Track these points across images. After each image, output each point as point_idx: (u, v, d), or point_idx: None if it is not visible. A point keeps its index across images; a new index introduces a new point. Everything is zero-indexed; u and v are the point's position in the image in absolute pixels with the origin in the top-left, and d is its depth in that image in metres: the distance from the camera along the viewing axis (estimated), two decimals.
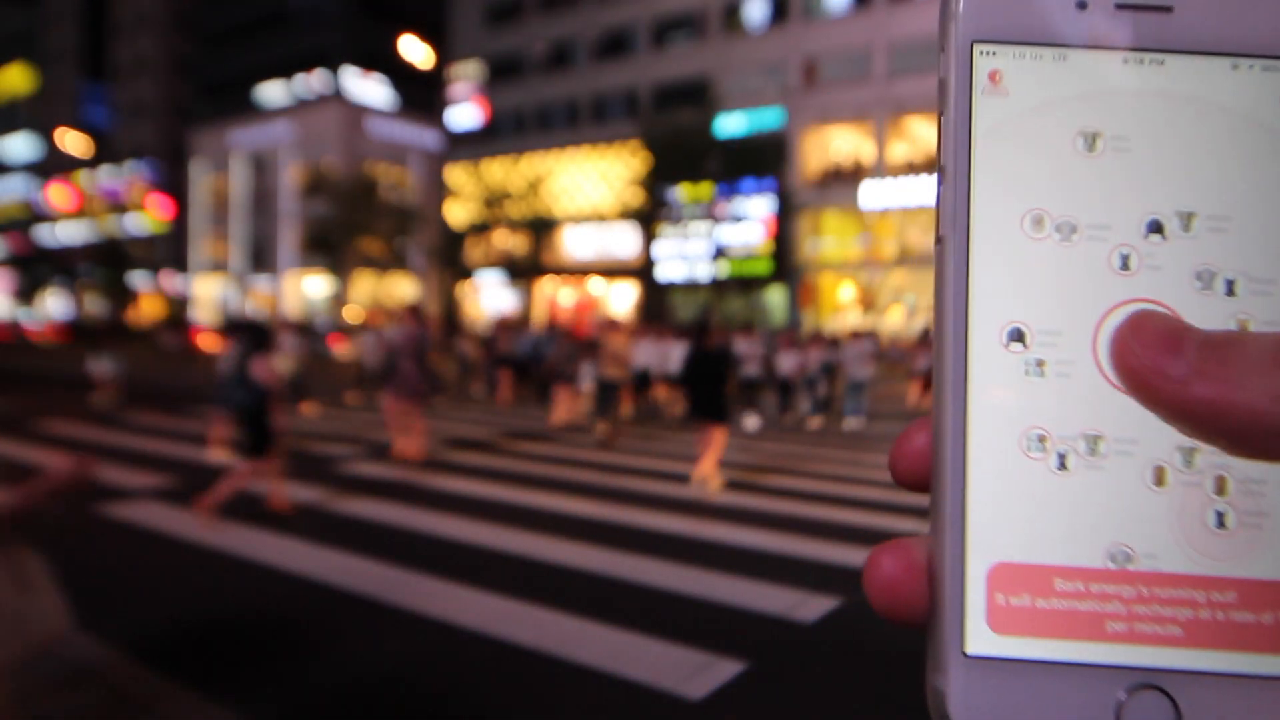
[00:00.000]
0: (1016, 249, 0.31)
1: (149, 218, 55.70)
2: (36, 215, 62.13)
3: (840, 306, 31.82)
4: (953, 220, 0.32)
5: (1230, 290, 0.30)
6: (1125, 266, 0.31)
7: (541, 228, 36.08)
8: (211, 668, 4.18)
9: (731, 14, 35.14)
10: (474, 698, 4.01)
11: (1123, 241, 0.31)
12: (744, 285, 32.45)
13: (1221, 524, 0.30)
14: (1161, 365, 0.26)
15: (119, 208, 56.88)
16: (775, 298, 32.92)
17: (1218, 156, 0.31)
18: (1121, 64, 0.32)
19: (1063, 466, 0.30)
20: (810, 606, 5.14)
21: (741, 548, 6.31)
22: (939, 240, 0.32)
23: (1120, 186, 0.31)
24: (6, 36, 66.09)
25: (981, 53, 0.32)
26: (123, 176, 57.25)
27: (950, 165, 0.32)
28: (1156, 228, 0.31)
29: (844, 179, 31.73)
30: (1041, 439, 0.30)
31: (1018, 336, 0.31)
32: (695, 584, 5.57)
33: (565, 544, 6.45)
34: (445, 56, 44.74)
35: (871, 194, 30.78)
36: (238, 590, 5.34)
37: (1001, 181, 0.32)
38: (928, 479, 0.33)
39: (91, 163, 59.41)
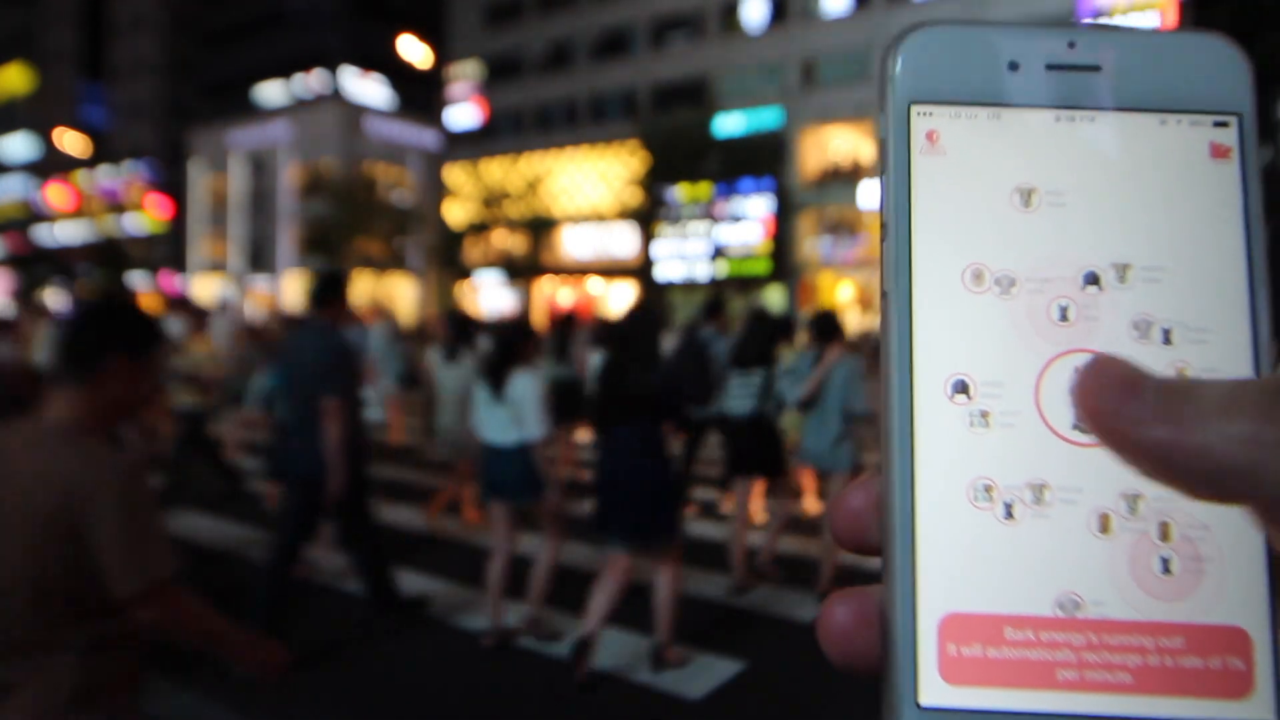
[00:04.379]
0: (958, 303, 0.32)
1: (147, 217, 55.64)
2: (35, 215, 62.01)
3: (840, 306, 31.84)
4: (895, 276, 0.32)
5: (1167, 339, 0.31)
6: (1064, 318, 0.31)
7: (540, 228, 36.04)
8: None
9: (730, 14, 35.12)
10: (474, 696, 4.02)
11: (1061, 294, 0.31)
12: (743, 285, 32.44)
13: (1167, 569, 0.30)
14: (1121, 408, 0.27)
15: (117, 208, 56.78)
16: (774, 297, 32.93)
17: (1150, 209, 0.32)
18: (1054, 121, 0.32)
19: (1010, 516, 0.31)
20: (810, 607, 5.15)
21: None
22: (883, 295, 0.33)
23: (1057, 240, 0.32)
24: (6, 36, 66.00)
25: (919, 113, 0.33)
26: (121, 176, 57.16)
27: (891, 223, 0.32)
28: (1093, 279, 0.31)
29: (843, 178, 31.74)
30: (988, 489, 0.31)
31: (962, 388, 0.31)
32: (694, 584, 5.58)
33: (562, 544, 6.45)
34: (444, 56, 44.70)
35: (870, 194, 30.77)
36: None
37: (941, 237, 0.32)
38: (867, 540, 0.33)
39: (90, 163, 59.33)
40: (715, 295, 7.92)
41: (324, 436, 4.44)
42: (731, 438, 5.69)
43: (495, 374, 4.52)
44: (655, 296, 33.24)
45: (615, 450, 4.17)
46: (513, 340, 4.55)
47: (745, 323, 5.93)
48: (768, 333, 5.73)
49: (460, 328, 6.69)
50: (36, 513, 1.69)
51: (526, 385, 4.45)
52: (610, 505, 4.13)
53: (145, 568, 1.75)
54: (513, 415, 4.45)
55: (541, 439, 4.46)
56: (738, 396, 5.53)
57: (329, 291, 4.67)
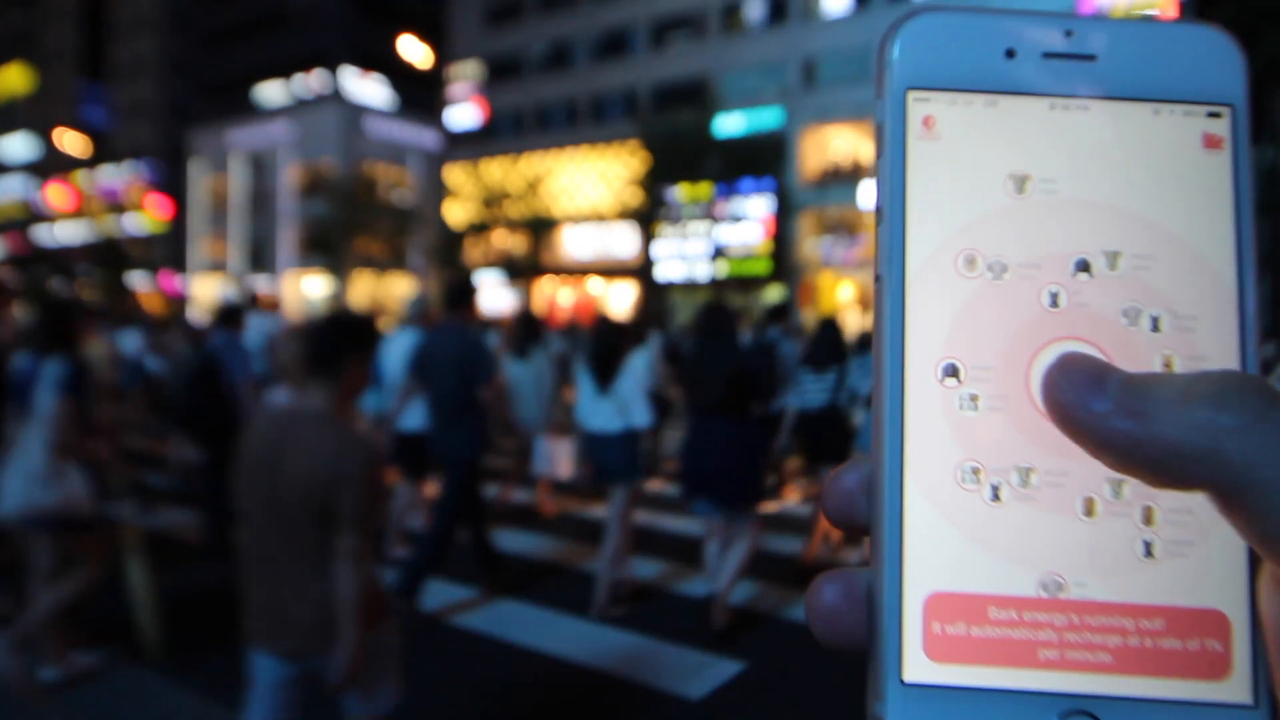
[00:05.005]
0: (950, 288, 0.32)
1: (147, 218, 55.63)
2: (35, 215, 62.03)
3: (840, 306, 31.83)
4: (889, 260, 0.32)
5: (1155, 327, 0.31)
6: (1055, 304, 0.32)
7: (540, 228, 36.04)
8: None
9: (731, 14, 35.12)
10: (476, 695, 4.01)
11: (1052, 280, 0.32)
12: (743, 285, 32.45)
13: (1149, 553, 0.30)
14: (1086, 402, 0.28)
15: (117, 208, 56.78)
16: (774, 297, 32.92)
17: (1141, 198, 0.32)
18: (1049, 109, 0.33)
19: (996, 498, 0.31)
20: None
21: None
22: (877, 279, 0.33)
23: (1049, 227, 0.32)
24: (6, 36, 66.01)
25: (916, 99, 0.33)
26: (121, 176, 57.17)
27: (886, 207, 0.33)
28: (1084, 267, 0.32)
29: (843, 179, 31.74)
30: (975, 471, 0.31)
31: (952, 372, 0.32)
32: (695, 584, 5.58)
33: (563, 544, 6.45)
34: (444, 56, 44.71)
35: (871, 194, 30.72)
36: None
37: (935, 223, 0.32)
38: (857, 519, 0.33)
39: (90, 163, 59.31)
40: (783, 300, 8.90)
41: (492, 412, 5.19)
42: (807, 428, 6.38)
43: (603, 370, 5.08)
44: (656, 296, 33.29)
45: (708, 431, 4.69)
46: (616, 339, 5.16)
47: (819, 327, 6.64)
48: (840, 335, 6.40)
49: (529, 327, 7.34)
50: (313, 471, 2.46)
51: (631, 378, 5.05)
52: (705, 478, 4.69)
53: (355, 529, 2.49)
54: (618, 406, 5.03)
55: (648, 426, 5.12)
56: (813, 391, 6.14)
57: (463, 295, 5.32)
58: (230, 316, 6.68)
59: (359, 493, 2.49)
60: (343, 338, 2.62)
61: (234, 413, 6.15)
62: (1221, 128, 0.32)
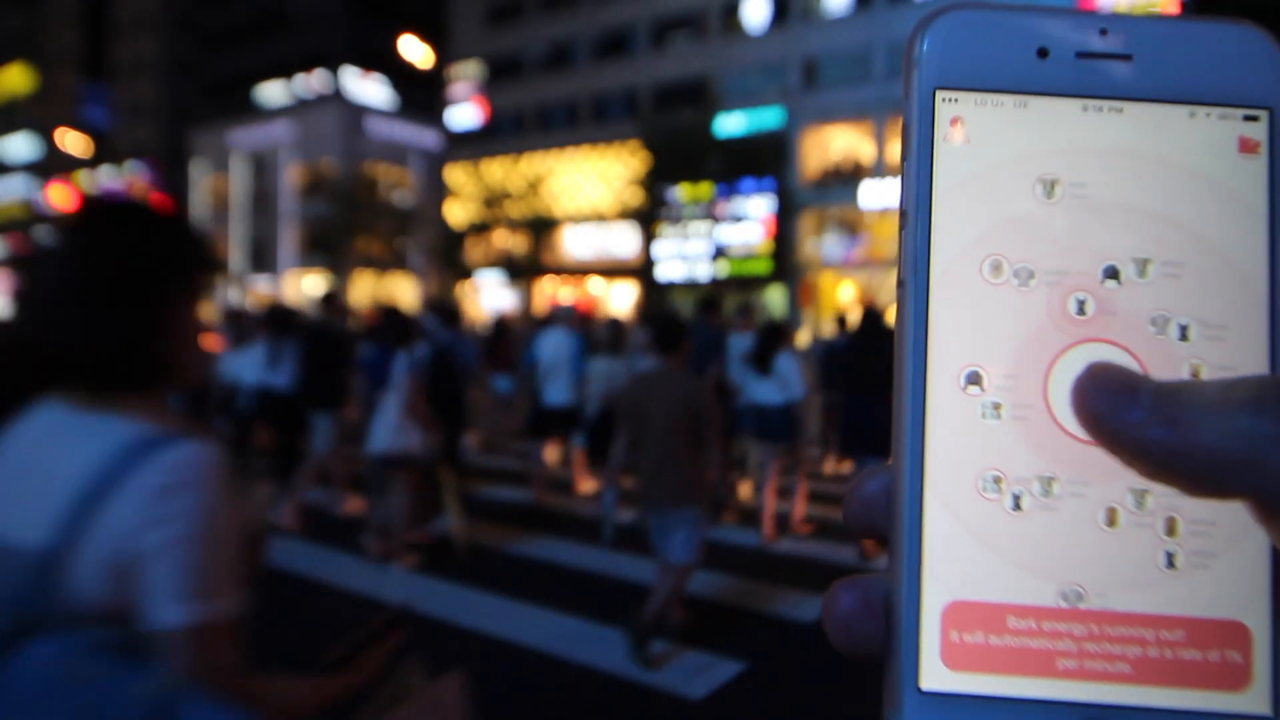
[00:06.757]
0: (975, 294, 0.31)
1: None
2: (37, 215, 62.06)
3: (841, 306, 31.82)
4: (913, 265, 0.32)
5: (1184, 335, 0.31)
6: (1082, 312, 0.31)
7: (541, 227, 36.06)
8: None
9: (731, 14, 35.11)
10: (479, 697, 4.03)
11: (1079, 287, 0.31)
12: (744, 285, 32.45)
13: (1171, 564, 0.30)
14: (1119, 411, 0.27)
15: None
16: (775, 297, 32.94)
17: (1173, 203, 0.31)
18: (1081, 112, 0.32)
19: (1017, 507, 0.31)
20: (810, 606, 5.16)
21: (740, 548, 6.34)
22: (900, 284, 0.32)
23: (1077, 233, 0.32)
24: (7, 37, 66.04)
25: (944, 100, 0.32)
26: (122, 177, 57.18)
27: (911, 211, 0.32)
28: (1112, 273, 0.31)
29: (844, 178, 31.73)
30: (997, 480, 0.31)
31: (975, 379, 0.31)
32: (695, 585, 5.60)
33: (566, 544, 6.47)
34: (445, 56, 44.73)
35: (871, 194, 30.78)
36: None
37: (961, 227, 0.32)
38: (878, 525, 0.33)
39: (91, 163, 59.36)
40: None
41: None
42: None
43: (763, 358, 6.56)
44: (657, 297, 33.29)
45: (869, 405, 5.95)
46: (773, 334, 6.78)
47: None
48: None
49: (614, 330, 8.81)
50: (676, 401, 4.26)
51: (788, 362, 6.55)
52: (867, 440, 6.05)
53: (711, 429, 4.31)
54: (779, 384, 6.49)
55: (804, 396, 6.61)
56: None
57: (710, 306, 7.68)
58: (452, 318, 8.58)
59: (708, 409, 4.30)
60: (677, 327, 4.49)
61: (461, 392, 7.72)
62: (1258, 131, 0.32)
